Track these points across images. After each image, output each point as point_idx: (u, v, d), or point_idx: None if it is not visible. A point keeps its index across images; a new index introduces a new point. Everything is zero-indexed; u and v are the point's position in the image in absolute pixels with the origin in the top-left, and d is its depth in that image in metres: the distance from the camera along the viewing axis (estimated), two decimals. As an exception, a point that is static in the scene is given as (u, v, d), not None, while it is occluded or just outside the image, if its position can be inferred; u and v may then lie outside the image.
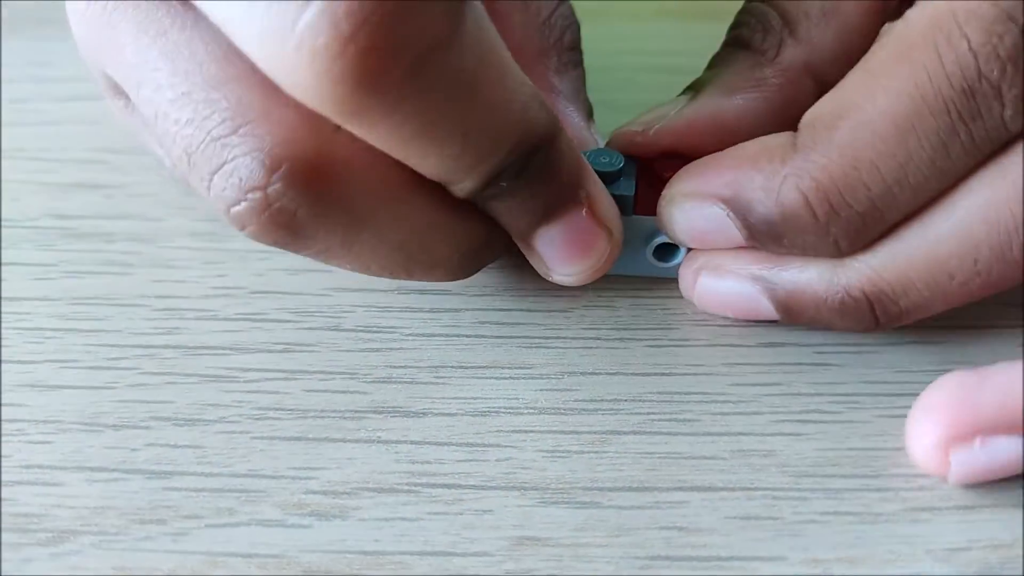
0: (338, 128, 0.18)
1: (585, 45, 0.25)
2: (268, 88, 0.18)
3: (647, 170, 0.23)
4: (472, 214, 0.21)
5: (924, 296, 0.21)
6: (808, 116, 0.21)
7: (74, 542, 0.19)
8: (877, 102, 0.20)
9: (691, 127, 0.23)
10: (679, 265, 0.23)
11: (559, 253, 0.21)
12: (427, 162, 0.19)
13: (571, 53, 0.24)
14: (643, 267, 0.24)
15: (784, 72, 0.23)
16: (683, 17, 0.31)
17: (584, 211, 0.21)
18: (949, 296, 0.21)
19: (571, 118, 0.24)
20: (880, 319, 0.21)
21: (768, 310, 0.22)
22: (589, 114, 0.24)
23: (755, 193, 0.21)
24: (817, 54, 0.23)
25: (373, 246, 0.20)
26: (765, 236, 0.21)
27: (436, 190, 0.20)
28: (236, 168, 0.19)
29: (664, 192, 0.22)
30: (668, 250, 0.24)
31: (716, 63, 0.24)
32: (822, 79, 0.23)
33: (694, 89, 0.24)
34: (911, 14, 0.20)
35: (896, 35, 0.20)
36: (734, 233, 0.21)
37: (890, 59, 0.20)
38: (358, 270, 0.21)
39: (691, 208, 0.22)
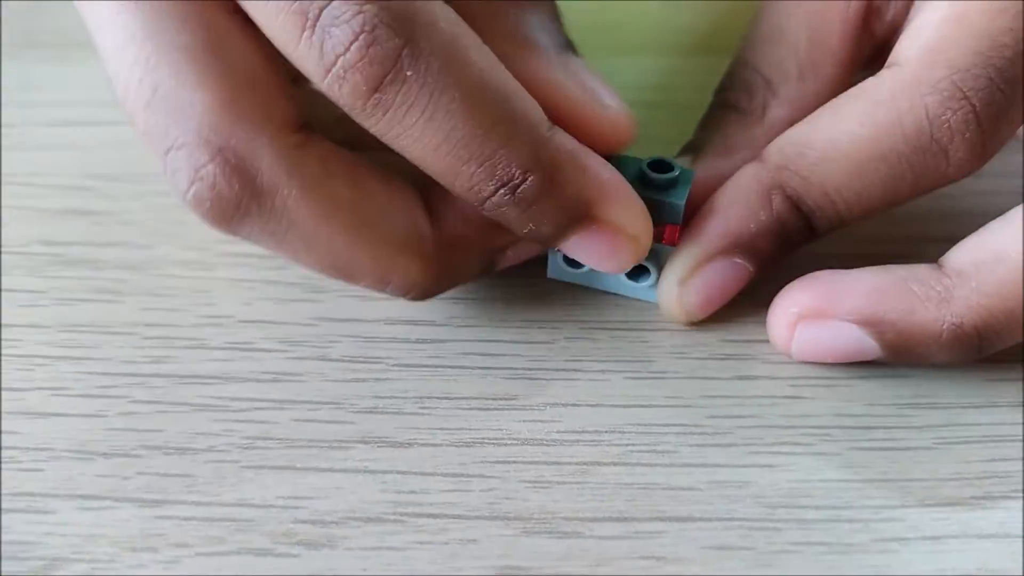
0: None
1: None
2: None
3: None
4: (412, 207, 0.22)
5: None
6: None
7: (66, 570, 0.20)
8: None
9: (697, 187, 0.24)
10: (649, 287, 0.24)
11: (585, 258, 0.23)
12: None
13: None
14: (616, 286, 0.25)
15: (771, 131, 0.25)
16: (676, 52, 0.32)
17: (598, 227, 0.22)
18: None
19: (538, 57, 0.23)
20: (984, 349, 0.22)
21: (874, 351, 0.23)
22: (564, 47, 0.23)
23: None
24: (799, 112, 0.25)
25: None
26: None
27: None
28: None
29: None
30: (639, 271, 0.24)
31: (708, 125, 0.26)
32: None
33: (693, 150, 0.25)
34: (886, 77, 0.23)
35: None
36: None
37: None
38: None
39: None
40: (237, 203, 0.21)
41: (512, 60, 0.21)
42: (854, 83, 0.24)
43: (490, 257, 0.24)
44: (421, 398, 0.23)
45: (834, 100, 0.23)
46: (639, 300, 0.25)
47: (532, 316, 0.25)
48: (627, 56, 0.32)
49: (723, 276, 0.24)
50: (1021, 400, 0.23)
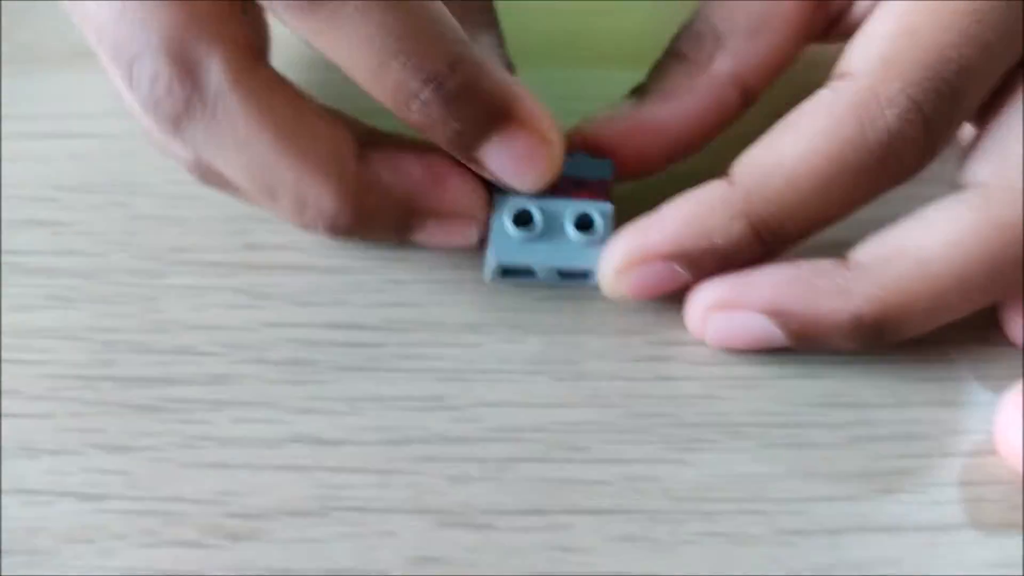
0: None
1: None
2: None
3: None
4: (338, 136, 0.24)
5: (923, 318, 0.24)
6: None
7: (7, 560, 0.21)
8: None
9: (634, 129, 0.26)
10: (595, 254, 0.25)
11: (503, 168, 0.24)
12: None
13: (480, 15, 0.26)
14: (554, 276, 0.26)
15: (713, 80, 0.26)
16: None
17: (516, 127, 0.23)
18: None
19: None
20: (886, 338, 0.24)
21: (780, 339, 0.24)
22: (508, 70, 0.25)
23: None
24: (744, 67, 0.26)
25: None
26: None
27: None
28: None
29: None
30: (582, 275, 0.25)
31: (655, 72, 0.27)
32: (747, 89, 0.26)
33: (637, 94, 0.26)
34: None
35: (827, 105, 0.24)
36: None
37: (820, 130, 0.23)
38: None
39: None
40: (186, 102, 0.23)
41: None
42: (814, 80, 0.25)
43: (409, 218, 0.25)
44: (354, 399, 0.24)
45: (793, 116, 0.24)
46: (570, 304, 0.26)
47: (465, 320, 0.26)
48: (601, 68, 0.32)
49: (659, 278, 0.24)
50: (933, 399, 0.24)
